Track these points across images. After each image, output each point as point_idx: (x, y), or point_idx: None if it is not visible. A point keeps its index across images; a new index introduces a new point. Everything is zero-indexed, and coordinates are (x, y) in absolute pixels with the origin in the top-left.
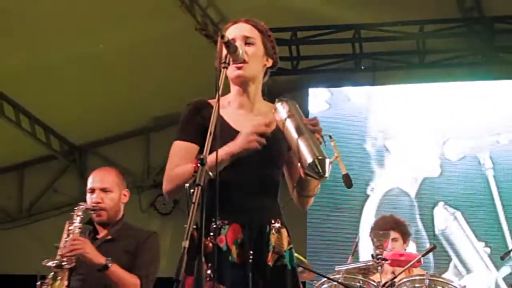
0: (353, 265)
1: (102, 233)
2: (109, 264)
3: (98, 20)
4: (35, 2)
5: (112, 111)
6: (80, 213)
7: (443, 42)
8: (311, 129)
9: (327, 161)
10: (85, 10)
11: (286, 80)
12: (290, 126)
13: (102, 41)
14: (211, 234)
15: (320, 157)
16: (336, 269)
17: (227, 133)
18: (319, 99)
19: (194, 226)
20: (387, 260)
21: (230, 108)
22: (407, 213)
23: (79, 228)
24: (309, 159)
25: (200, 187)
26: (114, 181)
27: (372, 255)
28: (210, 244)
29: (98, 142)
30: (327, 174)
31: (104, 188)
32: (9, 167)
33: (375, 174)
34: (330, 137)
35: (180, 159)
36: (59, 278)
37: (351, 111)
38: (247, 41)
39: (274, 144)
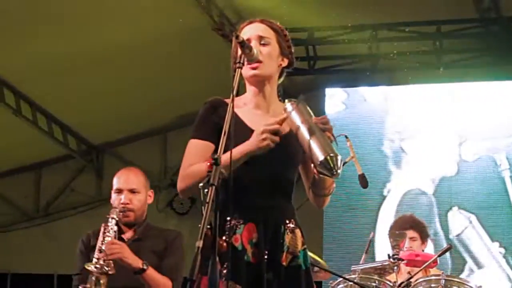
0: (369, 265)
1: (128, 233)
2: (146, 267)
3: (112, 18)
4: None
5: (129, 111)
6: (114, 215)
7: (460, 42)
8: (321, 127)
9: (339, 158)
10: (99, 8)
11: (303, 80)
12: (301, 127)
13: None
14: (226, 233)
15: (331, 154)
16: (352, 268)
17: (242, 132)
18: (336, 100)
19: (208, 226)
20: (403, 260)
21: (246, 108)
22: (425, 213)
23: (114, 231)
24: (320, 156)
25: (214, 187)
26: (141, 182)
27: (388, 255)
28: (225, 244)
29: (115, 141)
30: (339, 171)
31: (132, 189)
32: (27, 167)
33: (392, 174)
34: (346, 137)
35: (195, 158)
36: (101, 282)
37: (367, 112)
38: (262, 41)
39: (288, 143)
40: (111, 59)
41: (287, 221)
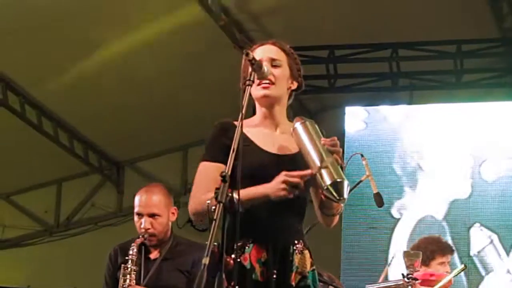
0: (383, 285)
1: (154, 253)
2: None
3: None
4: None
5: (150, 126)
6: (135, 249)
7: (480, 61)
8: (330, 150)
9: (346, 183)
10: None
11: (323, 98)
12: (309, 149)
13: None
14: (235, 252)
15: (338, 180)
16: None
17: (251, 150)
18: (356, 118)
19: (216, 244)
20: (417, 279)
21: (255, 128)
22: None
23: (134, 271)
24: (327, 181)
25: (221, 204)
26: (161, 203)
27: (402, 274)
28: (231, 261)
29: (136, 157)
30: (345, 197)
31: (152, 214)
32: (48, 182)
33: (408, 194)
34: (362, 155)
35: (205, 180)
36: None
37: (387, 131)
38: (273, 63)
39: (300, 164)
40: (133, 76)
41: (296, 242)
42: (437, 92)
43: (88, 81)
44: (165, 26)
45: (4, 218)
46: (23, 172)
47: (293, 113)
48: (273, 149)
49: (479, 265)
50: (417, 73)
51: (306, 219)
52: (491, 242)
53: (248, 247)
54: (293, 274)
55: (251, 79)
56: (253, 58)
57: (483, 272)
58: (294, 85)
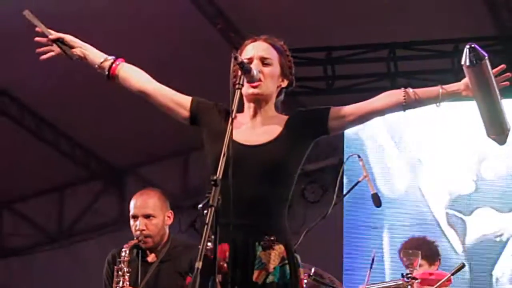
0: (383, 285)
1: (150, 256)
2: None
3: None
4: None
5: (150, 132)
6: (127, 251)
7: None
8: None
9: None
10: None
11: (322, 100)
12: (493, 87)
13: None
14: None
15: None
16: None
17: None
18: None
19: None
20: (417, 279)
21: (237, 120)
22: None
23: (127, 268)
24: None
25: (213, 208)
26: (156, 205)
27: (402, 274)
28: (225, 265)
29: (137, 163)
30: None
31: (147, 215)
32: (50, 189)
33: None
34: (359, 156)
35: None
36: None
37: (386, 130)
38: (264, 62)
39: (270, 152)
40: None
41: (266, 237)
42: None
43: (86, 88)
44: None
45: (6, 227)
46: (25, 180)
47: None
48: (247, 141)
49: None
50: (415, 72)
51: (307, 220)
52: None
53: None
54: (257, 272)
55: (241, 82)
56: (242, 62)
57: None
58: (285, 83)
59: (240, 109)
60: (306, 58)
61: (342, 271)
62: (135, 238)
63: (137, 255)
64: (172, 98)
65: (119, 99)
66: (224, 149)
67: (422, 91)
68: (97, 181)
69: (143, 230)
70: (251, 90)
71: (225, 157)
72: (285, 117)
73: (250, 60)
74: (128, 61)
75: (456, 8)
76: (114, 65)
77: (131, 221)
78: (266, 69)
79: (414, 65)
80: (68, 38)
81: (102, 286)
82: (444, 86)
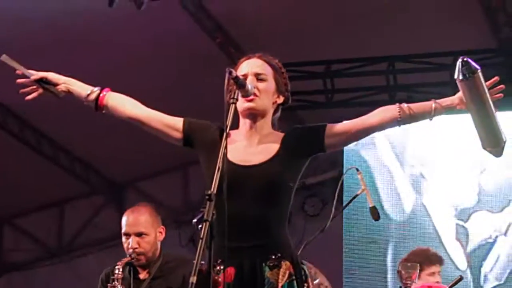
0: None
1: (143, 273)
2: None
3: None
4: None
5: (150, 146)
6: (120, 269)
7: None
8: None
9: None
10: None
11: (321, 113)
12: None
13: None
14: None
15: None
16: None
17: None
18: None
19: (203, 262)
20: None
21: (232, 138)
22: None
23: (121, 286)
24: (501, 143)
25: (207, 223)
26: (148, 222)
27: (400, 287)
28: (220, 279)
29: (137, 177)
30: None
31: (139, 233)
32: (49, 204)
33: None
34: (357, 169)
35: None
36: None
37: (387, 143)
38: (258, 77)
39: (266, 172)
40: (131, 95)
41: (272, 256)
42: None
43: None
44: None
45: (7, 242)
46: (25, 195)
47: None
48: (243, 161)
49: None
50: (414, 85)
51: (306, 233)
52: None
53: (220, 271)
54: None
55: (235, 97)
56: (236, 77)
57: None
58: (280, 99)
59: (235, 126)
60: (305, 72)
61: (342, 283)
62: (127, 255)
63: (129, 272)
64: (163, 122)
65: None
66: (219, 163)
67: (416, 106)
68: (98, 195)
69: (136, 248)
70: (246, 105)
71: (219, 172)
72: (281, 135)
73: (245, 76)
74: (128, 75)
75: (456, 20)
76: (101, 95)
77: (123, 238)
78: (260, 85)
79: (413, 78)
80: (51, 76)
81: None
82: (438, 101)
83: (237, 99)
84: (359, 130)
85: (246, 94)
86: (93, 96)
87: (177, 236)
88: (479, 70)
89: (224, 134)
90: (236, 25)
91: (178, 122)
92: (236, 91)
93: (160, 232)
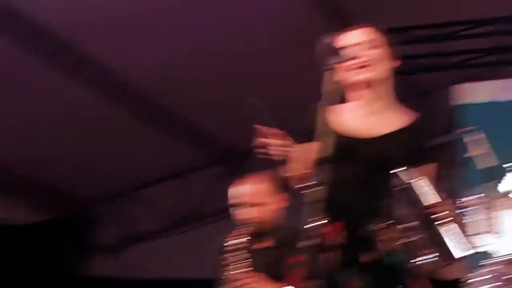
0: None
1: (265, 241)
2: None
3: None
4: None
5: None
6: (245, 236)
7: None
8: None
9: None
10: None
11: (433, 77)
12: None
13: None
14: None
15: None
16: None
17: (342, 139)
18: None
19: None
20: None
21: (347, 113)
22: None
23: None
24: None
25: (320, 187)
26: (266, 191)
27: None
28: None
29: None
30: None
31: (257, 203)
32: (174, 174)
33: None
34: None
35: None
36: None
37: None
38: (371, 44)
39: (379, 147)
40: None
41: (379, 221)
42: None
43: None
44: None
45: (135, 213)
46: (145, 169)
47: (404, 94)
48: (355, 133)
49: None
50: None
51: None
52: None
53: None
54: (369, 253)
55: (333, 64)
56: (331, 44)
57: None
58: (395, 63)
59: (341, 101)
60: (416, 36)
61: None
62: (248, 225)
63: (251, 240)
64: None
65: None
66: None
67: None
68: (218, 166)
69: (252, 217)
70: (358, 77)
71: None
72: (410, 117)
73: (351, 46)
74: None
75: None
76: None
77: (242, 208)
78: (371, 52)
79: None
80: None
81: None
82: None
83: (334, 67)
84: None
85: (354, 64)
86: None
87: None
88: None
89: (323, 101)
90: None
91: None
92: (335, 59)
93: (279, 201)
